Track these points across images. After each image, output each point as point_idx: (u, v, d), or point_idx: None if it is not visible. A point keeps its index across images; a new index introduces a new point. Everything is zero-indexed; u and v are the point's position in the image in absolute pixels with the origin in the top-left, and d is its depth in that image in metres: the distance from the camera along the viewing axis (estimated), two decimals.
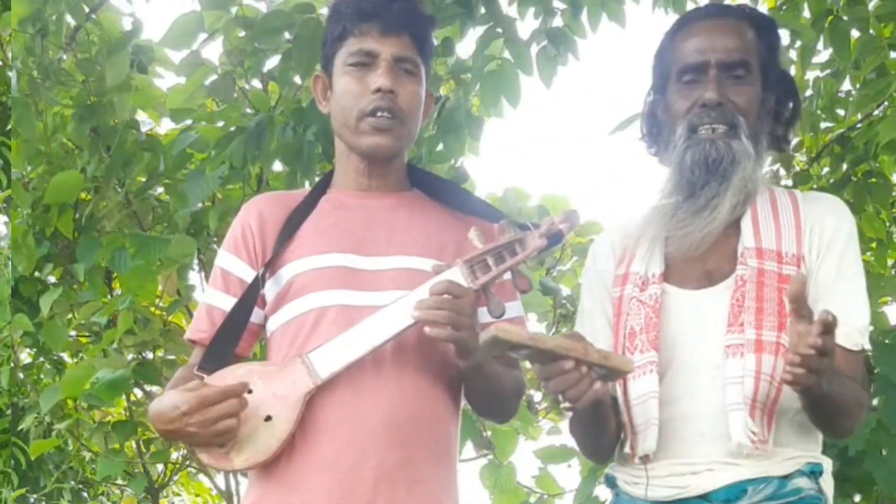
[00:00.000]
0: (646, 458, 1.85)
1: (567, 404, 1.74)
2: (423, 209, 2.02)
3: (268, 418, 1.83)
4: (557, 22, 3.45)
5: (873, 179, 3.99)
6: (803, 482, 1.80)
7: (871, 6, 3.52)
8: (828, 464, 1.86)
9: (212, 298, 2.00)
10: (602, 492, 3.55)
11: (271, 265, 1.95)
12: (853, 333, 1.82)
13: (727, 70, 1.88)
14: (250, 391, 1.82)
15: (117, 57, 3.33)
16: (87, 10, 3.49)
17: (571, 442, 4.08)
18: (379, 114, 1.92)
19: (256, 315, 1.98)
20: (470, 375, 1.90)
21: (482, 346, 1.71)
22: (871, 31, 3.49)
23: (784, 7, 3.47)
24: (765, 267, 1.83)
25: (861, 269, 1.88)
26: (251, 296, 1.95)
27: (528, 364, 1.96)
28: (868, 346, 1.86)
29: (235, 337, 1.95)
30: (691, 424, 1.83)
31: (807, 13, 3.60)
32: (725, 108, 1.87)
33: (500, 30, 3.32)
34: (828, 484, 1.84)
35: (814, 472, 1.81)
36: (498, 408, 2.04)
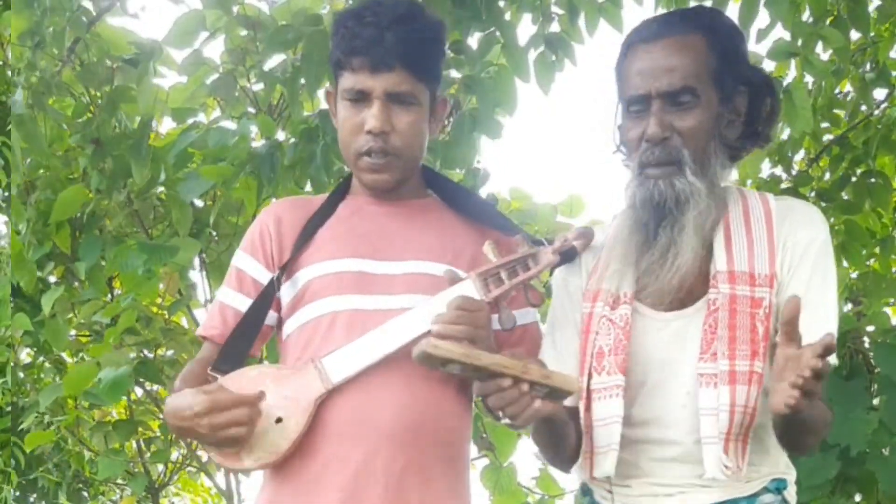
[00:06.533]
0: (606, 480, 1.85)
1: (507, 421, 1.75)
2: (440, 215, 2.04)
3: (278, 420, 1.84)
4: (555, 27, 3.42)
5: (872, 179, 4.00)
6: (768, 498, 1.82)
7: (871, 7, 3.52)
8: (792, 475, 1.88)
9: (225, 297, 2.02)
10: None
11: (288, 269, 1.97)
12: None
13: (670, 98, 1.79)
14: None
15: (143, 83, 3.34)
16: (86, 21, 3.47)
17: None
18: (373, 155, 1.93)
19: (270, 317, 1.99)
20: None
21: (415, 360, 1.71)
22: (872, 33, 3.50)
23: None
24: (737, 293, 1.78)
25: (833, 281, 1.83)
26: (266, 298, 1.97)
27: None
28: (835, 361, 1.82)
29: (250, 338, 1.96)
30: (665, 449, 1.83)
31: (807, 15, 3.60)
32: (669, 143, 1.79)
33: (498, 33, 3.30)
34: (791, 495, 1.86)
35: (778, 489, 1.84)
36: None
